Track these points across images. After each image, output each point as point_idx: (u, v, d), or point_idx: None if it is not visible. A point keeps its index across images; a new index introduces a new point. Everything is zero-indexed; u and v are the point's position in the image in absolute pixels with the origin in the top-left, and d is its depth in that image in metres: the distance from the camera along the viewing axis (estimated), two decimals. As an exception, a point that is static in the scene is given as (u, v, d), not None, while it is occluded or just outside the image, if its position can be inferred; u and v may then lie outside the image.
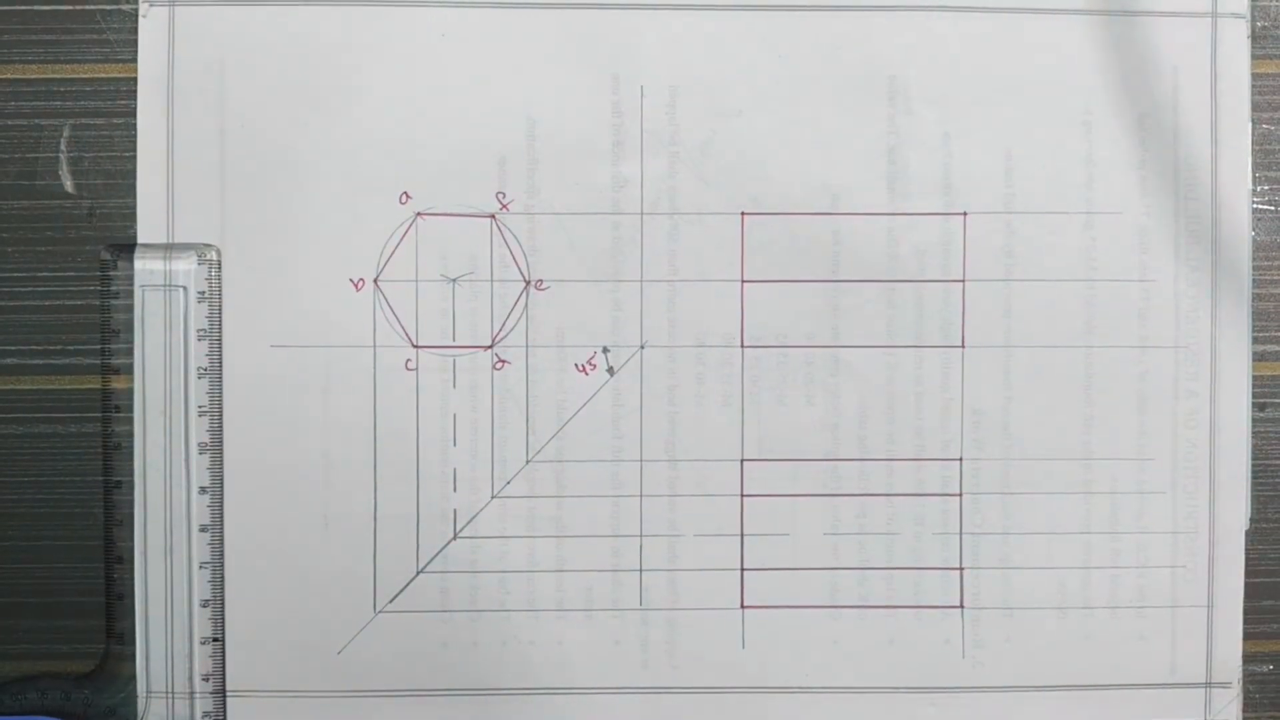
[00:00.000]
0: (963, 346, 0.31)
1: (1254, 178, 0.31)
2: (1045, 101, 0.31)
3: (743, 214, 0.31)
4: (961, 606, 0.31)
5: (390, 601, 0.31)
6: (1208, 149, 0.31)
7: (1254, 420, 0.31)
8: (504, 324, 0.31)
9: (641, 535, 0.31)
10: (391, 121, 0.31)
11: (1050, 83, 0.31)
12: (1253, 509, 0.31)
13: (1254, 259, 0.31)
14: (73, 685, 0.31)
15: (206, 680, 0.31)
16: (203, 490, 0.30)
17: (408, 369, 0.31)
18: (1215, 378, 0.31)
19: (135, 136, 0.31)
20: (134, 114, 0.31)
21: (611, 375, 0.31)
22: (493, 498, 0.31)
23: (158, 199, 0.31)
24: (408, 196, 0.31)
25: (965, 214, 0.31)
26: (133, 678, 0.31)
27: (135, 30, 0.31)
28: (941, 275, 0.31)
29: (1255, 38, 0.31)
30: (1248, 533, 0.31)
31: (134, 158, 0.31)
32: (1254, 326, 0.31)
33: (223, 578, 0.31)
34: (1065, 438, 0.31)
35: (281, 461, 0.31)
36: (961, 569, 0.31)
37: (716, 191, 0.31)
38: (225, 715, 0.31)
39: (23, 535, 0.31)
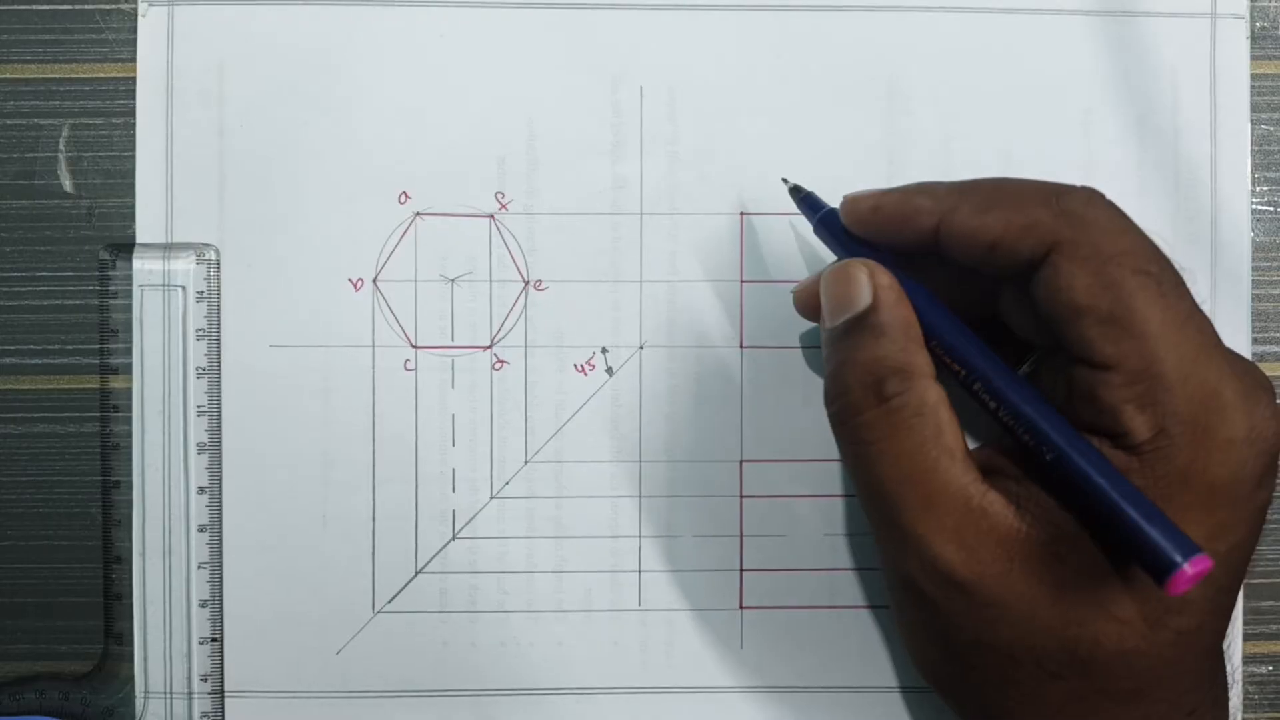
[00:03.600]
0: (962, 347, 0.31)
1: (1253, 178, 0.31)
2: (1045, 101, 0.31)
3: (742, 214, 0.31)
4: (961, 607, 0.31)
5: (389, 602, 0.31)
6: (1207, 149, 0.31)
7: (1253, 421, 0.31)
8: (503, 324, 0.31)
9: (640, 536, 0.31)
10: (390, 121, 0.31)
11: (1050, 83, 0.31)
12: (1252, 510, 0.31)
13: (1253, 259, 0.31)
14: (71, 686, 0.31)
15: (205, 680, 0.30)
16: (201, 490, 0.30)
17: (406, 369, 0.31)
18: (1215, 378, 0.31)
19: (134, 136, 0.31)
20: (133, 114, 0.31)
21: (610, 375, 0.31)
22: (491, 498, 0.31)
23: (156, 199, 0.31)
24: (407, 196, 0.31)
25: (965, 214, 0.31)
26: (131, 678, 0.31)
27: (134, 30, 0.31)
28: (941, 275, 0.31)
29: (1254, 38, 0.31)
30: (1247, 533, 0.31)
31: (133, 157, 0.31)
32: (1253, 326, 0.31)
33: (221, 578, 0.31)
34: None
35: (280, 461, 0.31)
36: (961, 570, 0.31)
37: (716, 191, 0.31)
38: (224, 715, 0.31)
39: (21, 535, 0.31)
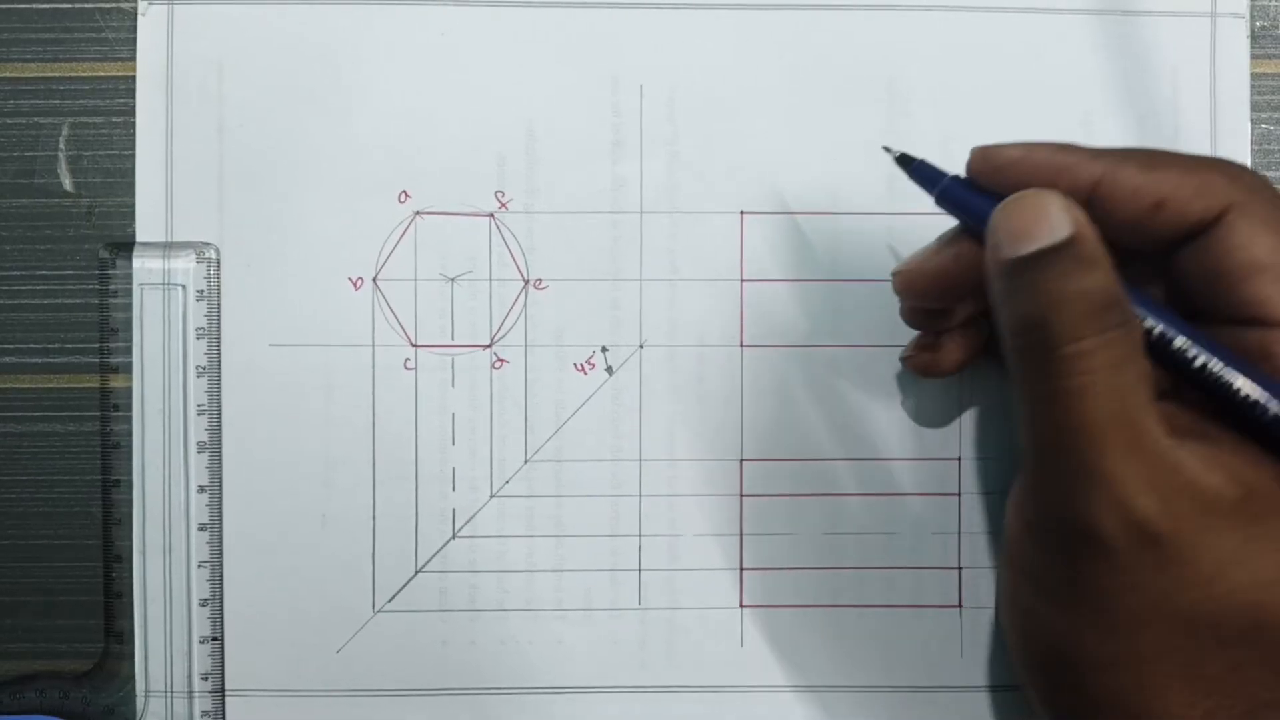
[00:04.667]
0: (962, 346, 0.31)
1: (1253, 178, 0.31)
2: (1045, 101, 0.31)
3: (742, 213, 0.31)
4: (960, 606, 0.31)
5: (389, 601, 0.31)
6: (1207, 149, 0.31)
7: (1253, 420, 0.31)
8: (503, 323, 0.31)
9: (640, 535, 0.31)
10: (391, 120, 0.31)
11: (1050, 83, 0.31)
12: (1251, 509, 0.31)
13: (1253, 259, 0.31)
14: (71, 684, 0.31)
15: (205, 679, 0.30)
16: (201, 489, 0.30)
17: (406, 368, 0.31)
18: (1214, 378, 0.31)
19: (134, 135, 0.31)
20: (133, 112, 0.31)
21: (610, 375, 0.31)
22: (491, 497, 0.31)
23: (156, 197, 0.31)
24: (407, 195, 0.31)
25: (965, 214, 0.31)
26: (131, 677, 0.31)
27: (134, 29, 0.31)
28: (941, 275, 0.31)
29: (1254, 38, 0.31)
30: (1246, 533, 0.31)
31: (133, 156, 0.31)
32: (1253, 326, 0.31)
33: (221, 576, 0.31)
34: (1064, 437, 0.31)
35: (280, 460, 0.31)
36: (960, 568, 0.31)
37: (716, 191, 0.31)
38: (224, 714, 0.31)
39: (21, 534, 0.31)
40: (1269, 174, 0.31)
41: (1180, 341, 0.23)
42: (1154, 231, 0.24)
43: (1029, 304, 0.23)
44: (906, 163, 0.26)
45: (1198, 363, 0.23)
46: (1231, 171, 0.24)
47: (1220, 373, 0.23)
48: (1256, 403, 0.22)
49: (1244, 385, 0.22)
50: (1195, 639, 0.23)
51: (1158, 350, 0.23)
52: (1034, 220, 0.23)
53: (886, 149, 0.27)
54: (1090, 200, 0.24)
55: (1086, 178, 0.24)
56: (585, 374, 0.31)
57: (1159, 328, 0.23)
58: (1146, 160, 0.24)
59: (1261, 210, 0.23)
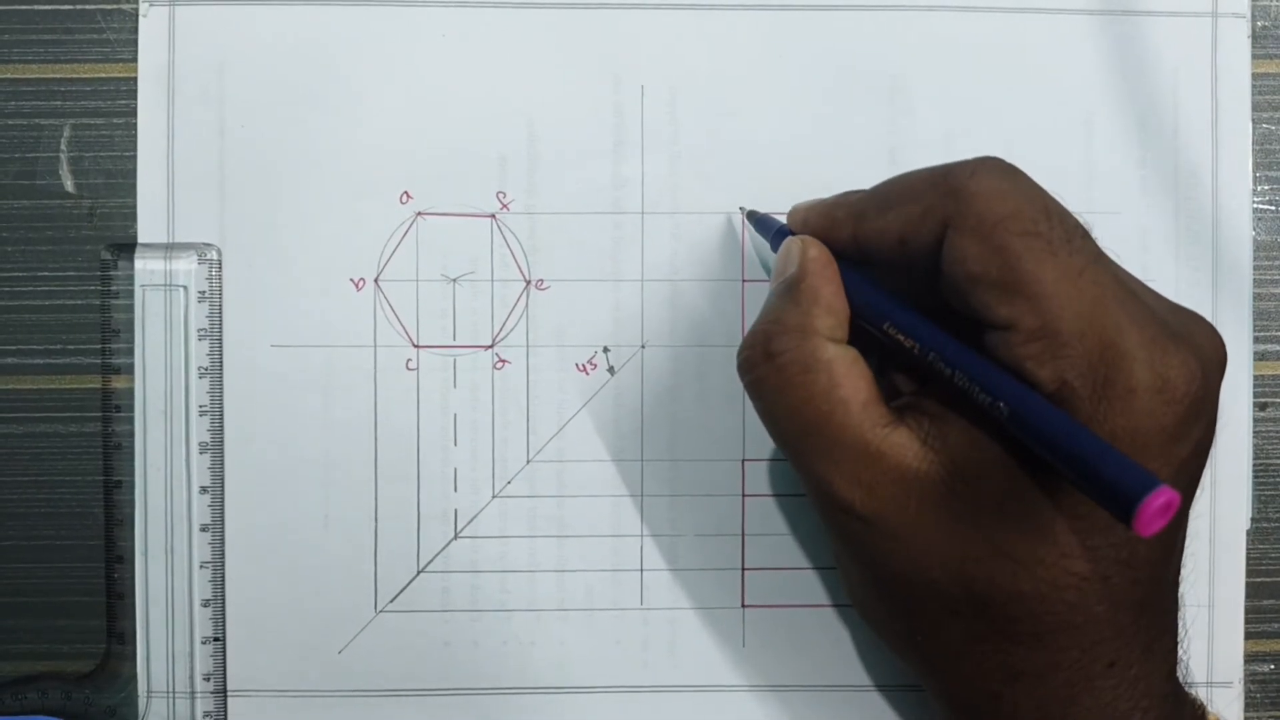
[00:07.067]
0: (963, 346, 0.31)
1: (1254, 177, 0.31)
2: (1045, 101, 0.31)
3: (743, 213, 0.31)
4: (962, 606, 0.31)
5: (391, 601, 0.31)
6: (1208, 149, 0.31)
7: (1255, 420, 0.31)
8: (504, 324, 0.31)
9: (642, 535, 0.31)
10: (392, 121, 0.31)
11: (1050, 83, 0.31)
12: (1254, 508, 0.31)
13: (1254, 259, 0.31)
14: (73, 685, 0.31)
15: (207, 680, 0.31)
16: (203, 490, 0.30)
17: (408, 369, 0.31)
18: (1216, 377, 0.31)
19: (135, 136, 0.31)
20: (134, 114, 0.31)
21: (612, 375, 0.31)
22: (493, 497, 0.31)
23: (158, 198, 0.31)
24: (408, 196, 0.31)
25: (966, 213, 0.31)
26: (133, 677, 0.31)
27: (135, 30, 0.31)
28: (942, 275, 0.31)
29: (1255, 38, 0.31)
30: (1249, 532, 0.31)
31: (134, 157, 0.31)
32: (1254, 326, 0.31)
33: (223, 577, 0.31)
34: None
35: (282, 461, 0.31)
36: (962, 568, 0.31)
37: (716, 191, 0.31)
38: (226, 715, 0.31)
39: (23, 535, 0.31)
40: (1270, 173, 0.31)
41: (932, 356, 0.24)
42: (912, 259, 0.25)
43: (762, 320, 0.26)
44: (752, 216, 0.30)
45: (946, 373, 0.24)
46: (949, 184, 0.24)
47: (961, 381, 0.23)
48: (993, 404, 0.23)
49: (981, 396, 0.23)
50: (928, 604, 0.24)
51: (928, 364, 0.24)
52: (785, 259, 0.27)
53: (740, 208, 0.31)
54: (857, 245, 0.26)
55: (846, 232, 0.26)
56: (587, 374, 0.31)
57: (917, 346, 0.24)
58: (883, 199, 0.25)
59: (973, 219, 0.23)
